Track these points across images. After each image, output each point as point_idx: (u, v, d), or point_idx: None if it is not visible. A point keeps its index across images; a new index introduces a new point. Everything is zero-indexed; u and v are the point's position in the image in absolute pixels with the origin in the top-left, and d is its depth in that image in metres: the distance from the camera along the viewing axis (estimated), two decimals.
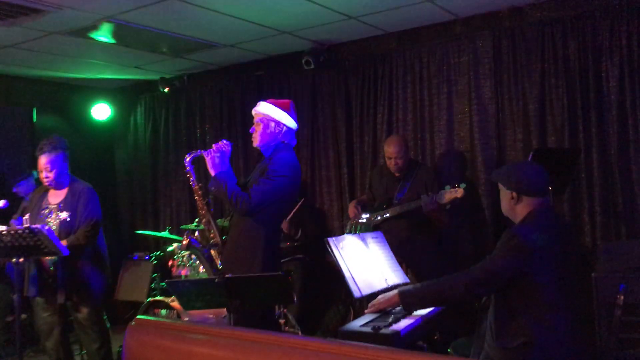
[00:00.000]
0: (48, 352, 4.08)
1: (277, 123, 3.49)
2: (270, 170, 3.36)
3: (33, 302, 4.10)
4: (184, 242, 3.69)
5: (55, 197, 4.05)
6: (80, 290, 3.97)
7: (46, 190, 4.10)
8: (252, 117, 3.59)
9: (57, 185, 4.03)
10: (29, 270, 3.89)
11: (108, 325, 4.25)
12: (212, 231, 3.60)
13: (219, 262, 3.57)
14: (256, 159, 3.66)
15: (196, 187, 3.59)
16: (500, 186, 2.72)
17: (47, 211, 4.00)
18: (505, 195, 2.68)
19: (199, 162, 3.79)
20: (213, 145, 3.47)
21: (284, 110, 3.52)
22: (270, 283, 2.92)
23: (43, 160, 3.96)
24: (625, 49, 4.30)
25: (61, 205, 3.99)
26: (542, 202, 2.63)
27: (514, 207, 2.66)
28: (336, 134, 5.68)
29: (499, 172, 2.79)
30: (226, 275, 2.85)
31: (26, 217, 4.00)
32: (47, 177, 3.98)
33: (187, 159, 3.59)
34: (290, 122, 3.54)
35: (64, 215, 3.93)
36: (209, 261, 3.66)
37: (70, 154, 4.12)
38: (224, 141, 3.48)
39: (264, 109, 3.52)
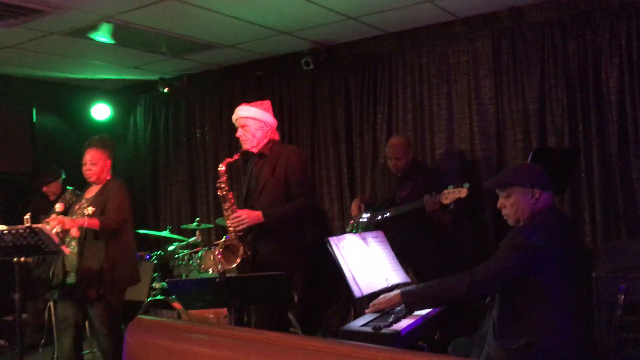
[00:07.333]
0: (60, 349, 4.05)
1: (264, 123, 3.68)
2: (294, 166, 3.63)
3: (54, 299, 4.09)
4: (219, 257, 3.46)
5: (90, 192, 4.14)
6: (94, 287, 3.94)
7: (88, 187, 4.18)
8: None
9: (98, 180, 4.11)
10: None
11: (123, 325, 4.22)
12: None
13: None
14: (253, 161, 3.69)
15: (230, 195, 3.60)
16: (515, 190, 2.61)
17: (79, 207, 4.07)
18: (524, 196, 2.58)
19: (230, 168, 3.85)
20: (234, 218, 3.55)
21: (264, 110, 3.71)
22: (270, 283, 2.91)
23: (89, 155, 4.08)
24: (625, 49, 4.30)
25: (91, 200, 4.05)
26: (549, 200, 2.62)
27: (533, 206, 2.58)
28: (336, 134, 5.68)
29: (509, 176, 2.70)
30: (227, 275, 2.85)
31: (26, 216, 4.00)
32: (89, 170, 4.08)
33: (222, 168, 3.70)
34: (272, 120, 3.73)
35: (90, 210, 3.95)
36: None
37: (72, 154, 4.15)
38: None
39: (248, 112, 3.68)
